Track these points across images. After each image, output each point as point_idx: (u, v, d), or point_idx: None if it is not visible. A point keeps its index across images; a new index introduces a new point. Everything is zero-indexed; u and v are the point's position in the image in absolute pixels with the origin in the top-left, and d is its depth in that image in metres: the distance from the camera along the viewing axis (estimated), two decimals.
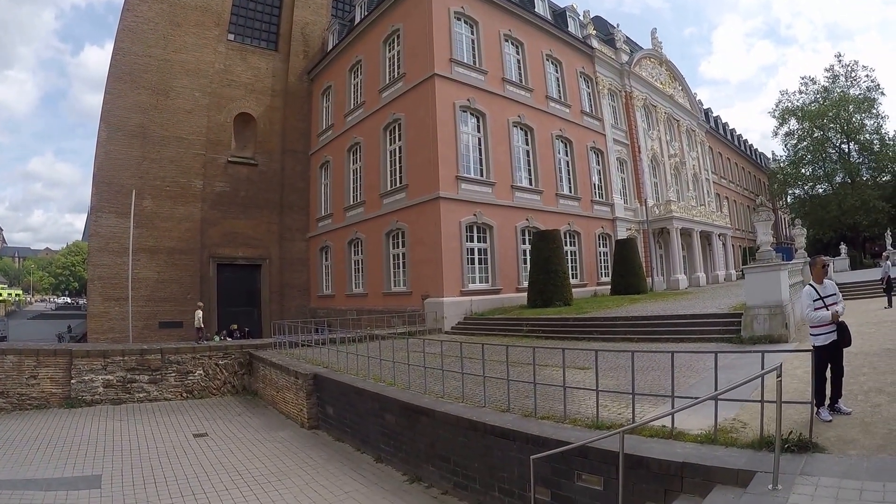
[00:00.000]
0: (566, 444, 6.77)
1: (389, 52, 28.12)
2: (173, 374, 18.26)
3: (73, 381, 16.77)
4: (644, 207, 37.10)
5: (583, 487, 6.89)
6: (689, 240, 40.17)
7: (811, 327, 7.13)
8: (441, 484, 9.45)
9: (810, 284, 7.38)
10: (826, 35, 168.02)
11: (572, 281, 27.89)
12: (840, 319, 7.06)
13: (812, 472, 5.33)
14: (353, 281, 30.13)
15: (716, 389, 6.27)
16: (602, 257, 33.77)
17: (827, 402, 7.09)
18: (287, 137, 35.10)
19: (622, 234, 34.59)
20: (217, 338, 26.65)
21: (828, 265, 7.86)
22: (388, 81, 27.75)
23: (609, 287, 30.28)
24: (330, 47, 34.54)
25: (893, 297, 20.26)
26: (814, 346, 6.97)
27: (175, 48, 30.94)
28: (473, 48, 27.22)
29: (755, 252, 15.71)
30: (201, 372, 18.74)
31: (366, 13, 30.48)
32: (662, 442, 6.64)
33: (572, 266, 30.58)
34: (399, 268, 26.32)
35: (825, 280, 7.40)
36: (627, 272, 29.09)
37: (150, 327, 28.03)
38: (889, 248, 38.11)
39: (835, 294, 7.26)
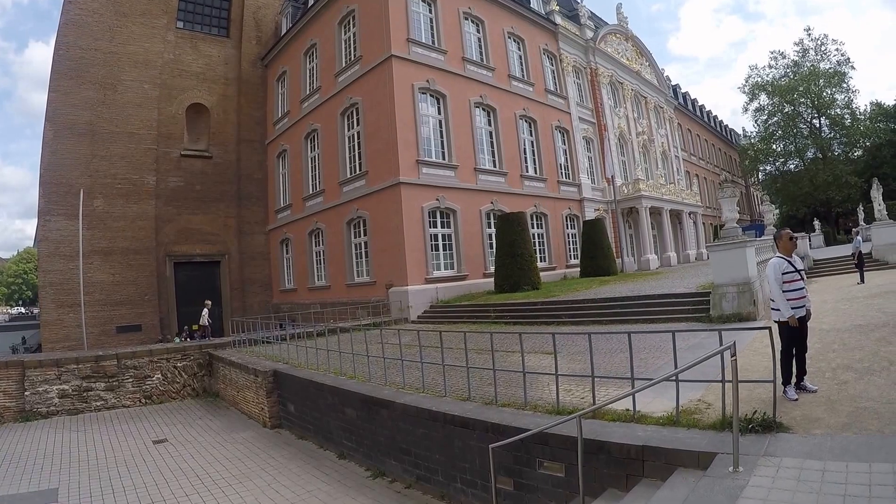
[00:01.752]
0: (525, 432, 6.77)
1: (345, 33, 27.92)
2: (130, 380, 18.00)
3: (26, 394, 16.46)
4: (612, 187, 37.39)
5: (545, 475, 6.93)
6: (658, 219, 40.74)
7: (787, 300, 7.07)
8: (404, 478, 9.51)
9: (779, 256, 7.35)
10: (795, 10, 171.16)
11: (540, 264, 28.13)
12: (806, 296, 7.15)
13: (775, 452, 5.38)
14: (316, 273, 30.05)
15: (675, 368, 6.28)
16: (570, 239, 34.05)
17: (793, 380, 7.15)
18: (242, 127, 34.68)
19: (590, 214, 34.92)
20: (177, 339, 26.47)
21: (795, 238, 7.90)
22: (344, 65, 27.57)
23: (578, 269, 30.52)
24: (284, 31, 34.26)
25: (865, 273, 20.83)
26: (779, 322, 7.06)
27: (122, 40, 30.23)
28: (432, 27, 27.15)
29: (720, 229, 15.99)
30: (160, 376, 18.51)
31: None
32: (624, 426, 6.66)
33: (540, 249, 30.88)
34: (362, 257, 26.30)
35: (793, 255, 7.40)
36: (596, 254, 29.35)
37: (107, 333, 27.56)
38: (861, 223, 38.98)
39: (803, 269, 7.31)
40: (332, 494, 9.51)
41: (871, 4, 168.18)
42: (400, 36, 24.87)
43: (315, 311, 23.97)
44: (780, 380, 6.69)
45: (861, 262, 21.34)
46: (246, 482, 10.42)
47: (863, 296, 16.59)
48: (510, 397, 8.56)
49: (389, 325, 19.88)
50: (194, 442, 13.67)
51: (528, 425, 6.97)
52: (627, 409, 6.89)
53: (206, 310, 24.37)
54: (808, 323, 7.24)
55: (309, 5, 31.52)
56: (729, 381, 5.56)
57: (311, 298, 29.10)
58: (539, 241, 31.13)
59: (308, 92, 30.88)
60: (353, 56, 27.02)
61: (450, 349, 9.85)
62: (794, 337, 7.01)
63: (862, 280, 20.56)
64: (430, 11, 27.28)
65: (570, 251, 33.66)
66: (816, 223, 53.69)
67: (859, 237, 24.16)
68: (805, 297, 7.13)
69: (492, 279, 24.62)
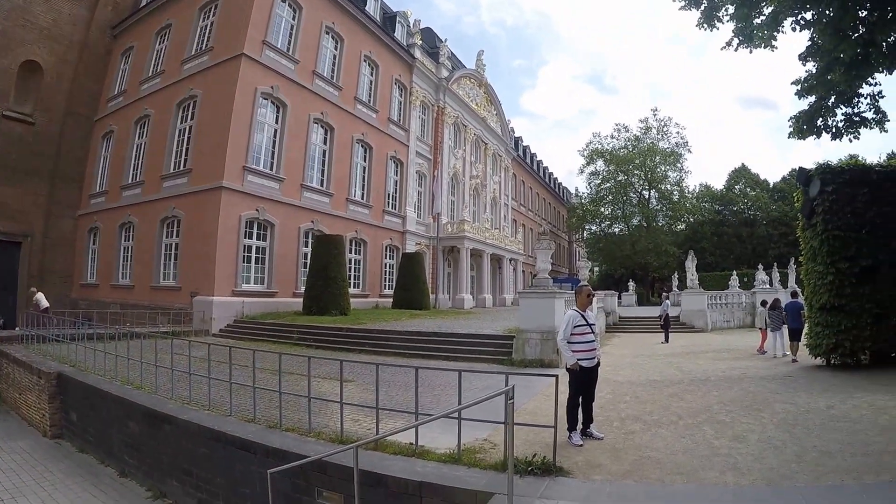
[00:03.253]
0: (305, 458, 6.76)
1: (203, 20, 27.14)
2: None
3: None
4: (437, 224, 39.43)
5: None
6: (479, 261, 43.47)
7: (574, 351, 7.62)
8: (185, 501, 9.12)
9: (574, 310, 8.00)
10: (648, 91, 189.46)
11: (354, 291, 29.08)
12: (597, 351, 7.84)
13: (552, 495, 5.60)
14: (121, 270, 28.40)
15: (459, 406, 6.58)
16: (388, 269, 35.32)
17: (579, 426, 7.62)
18: (74, 97, 31.73)
19: (411, 247, 36.51)
20: None
21: (593, 295, 8.72)
22: (193, 53, 26.78)
23: (391, 300, 31.74)
24: (144, 3, 32.07)
25: (671, 334, 23.42)
26: (570, 370, 7.63)
27: None
28: (291, 34, 27.44)
29: (533, 279, 17.35)
30: None
31: None
32: (405, 460, 6.77)
33: (355, 275, 31.74)
34: (171, 259, 25.41)
35: (588, 310, 8.04)
36: (411, 286, 30.83)
37: None
38: (674, 289, 43.58)
39: (594, 324, 7.96)
40: None
41: (722, 99, 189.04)
42: (256, 36, 24.89)
43: (115, 311, 22.83)
44: (565, 425, 7.33)
45: (667, 324, 23.78)
46: (19, 498, 9.66)
47: (664, 354, 18.21)
48: (297, 422, 8.53)
49: (189, 336, 18.92)
50: None
51: (309, 452, 6.99)
52: (411, 443, 7.06)
53: (39, 293, 22.18)
54: (599, 373, 7.98)
55: None
56: (516, 424, 5.75)
57: (113, 297, 27.28)
58: (356, 268, 31.95)
59: (150, 74, 29.41)
60: (204, 46, 26.41)
61: (245, 367, 9.74)
62: (581, 384, 7.58)
63: (666, 340, 22.66)
64: (294, 18, 27.62)
65: (385, 281, 34.81)
66: (631, 284, 59.79)
67: (668, 301, 26.67)
68: (595, 348, 7.75)
69: (302, 299, 24.86)
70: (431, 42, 44.16)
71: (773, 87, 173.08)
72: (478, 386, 10.35)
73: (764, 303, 19.30)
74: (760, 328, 18.92)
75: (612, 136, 70.77)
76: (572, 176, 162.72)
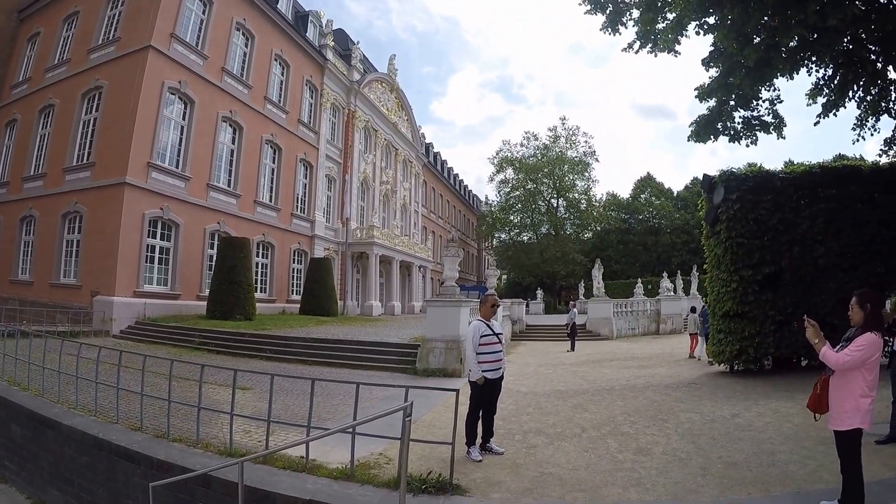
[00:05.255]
0: (190, 472, 6.46)
1: (112, 9, 26.80)
2: None
3: None
4: (346, 229, 40.07)
5: None
6: (388, 267, 44.39)
7: (480, 362, 7.50)
8: None
9: (479, 320, 7.90)
10: (554, 100, 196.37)
11: (261, 295, 29.43)
12: (503, 362, 7.79)
13: None
14: (20, 265, 27.53)
15: (354, 420, 6.54)
16: (296, 274, 35.74)
17: (479, 440, 7.53)
18: None
19: (320, 252, 37.06)
20: None
21: (498, 305, 8.49)
22: (100, 42, 26.44)
23: (299, 306, 32.14)
24: None
25: (578, 342, 24.43)
26: (473, 383, 7.51)
27: None
28: (201, 29, 27.58)
29: (440, 286, 17.82)
30: None
31: None
32: (294, 475, 6.60)
33: (262, 280, 32.05)
34: (72, 256, 24.99)
35: (493, 320, 8.02)
36: (319, 293, 31.42)
37: None
38: (581, 297, 45.28)
39: (501, 333, 7.99)
40: None
41: (625, 109, 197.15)
42: (165, 28, 24.96)
43: (12, 307, 22.21)
44: (463, 440, 7.19)
45: (574, 332, 24.62)
46: None
47: (570, 363, 18.58)
48: (187, 432, 8.18)
49: (88, 337, 19.05)
50: None
51: (196, 465, 6.75)
52: (302, 457, 6.90)
53: None
54: (503, 385, 7.95)
55: None
56: (413, 440, 5.76)
57: (11, 293, 26.27)
58: (262, 272, 32.25)
59: (56, 62, 28.76)
60: (112, 35, 26.14)
61: (138, 371, 9.03)
62: (482, 398, 7.50)
63: (572, 348, 23.46)
64: (204, 13, 27.81)
65: (293, 286, 35.19)
66: (539, 292, 62.11)
67: (575, 309, 27.92)
68: (501, 360, 7.70)
69: (206, 303, 24.87)
70: (344, 44, 45.00)
71: (673, 97, 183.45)
72: (378, 396, 10.62)
73: (693, 309, 20.73)
74: (691, 334, 20.06)
75: (522, 145, 73.66)
76: (481, 184, 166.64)
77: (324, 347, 18.36)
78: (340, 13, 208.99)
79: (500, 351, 7.74)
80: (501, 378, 7.82)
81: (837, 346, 4.96)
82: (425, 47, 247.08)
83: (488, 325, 7.76)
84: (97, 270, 23.27)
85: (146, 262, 24.25)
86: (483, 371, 7.45)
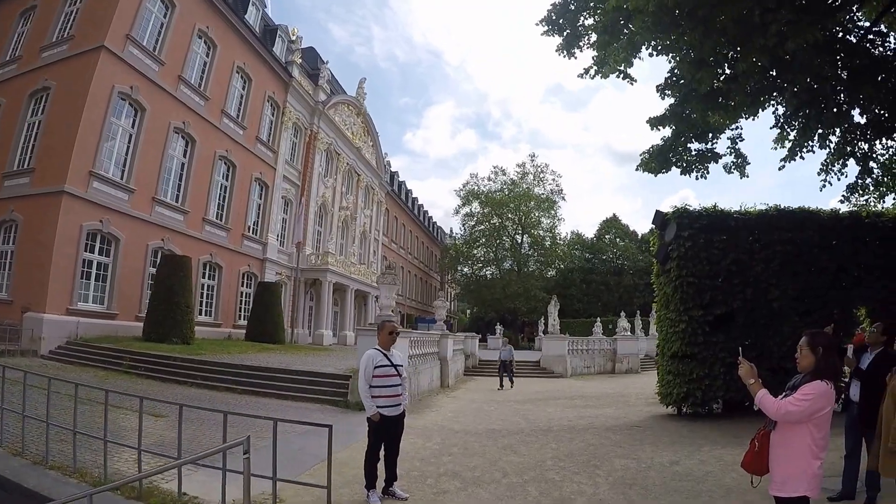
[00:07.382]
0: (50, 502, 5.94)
1: (70, 6, 25.89)
2: None
3: None
4: (300, 254, 39.46)
5: None
6: (343, 295, 43.90)
7: (374, 397, 7.08)
8: None
9: (375, 349, 7.38)
10: (528, 139, 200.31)
11: (205, 319, 28.72)
12: (403, 397, 7.35)
13: None
14: None
15: (274, 455, 6.07)
16: (244, 298, 34.82)
17: (381, 483, 7.14)
18: None
19: (272, 277, 36.33)
20: None
21: (396, 333, 7.89)
22: (54, 39, 25.51)
23: (245, 331, 31.39)
24: None
25: (514, 379, 24.61)
26: (370, 419, 7.11)
27: None
28: (160, 32, 27.01)
29: (376, 315, 17.56)
30: None
31: None
32: None
33: (207, 303, 31.22)
34: (4, 269, 23.64)
35: (392, 348, 7.51)
36: (266, 319, 30.72)
37: None
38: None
39: (402, 365, 7.48)
40: None
41: (598, 153, 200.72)
42: (121, 29, 24.28)
43: None
44: (361, 482, 6.97)
45: (506, 369, 24.72)
46: None
47: (515, 400, 18.67)
48: (83, 460, 7.50)
49: (14, 356, 18.18)
50: None
51: (60, 495, 6.22)
52: (185, 493, 6.39)
53: None
54: (415, 423, 8.00)
55: None
56: (281, 479, 5.61)
57: None
58: (208, 294, 31.40)
59: (8, 58, 27.54)
60: (66, 33, 25.28)
61: (44, 391, 8.18)
62: (381, 436, 7.10)
63: (501, 386, 23.97)
64: (166, 16, 27.29)
65: (241, 311, 34.32)
66: (499, 327, 61.80)
67: (510, 346, 27.94)
68: (401, 394, 7.25)
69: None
70: (313, 62, 44.83)
71: (647, 145, 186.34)
72: (299, 430, 9.79)
73: None
74: None
75: (490, 179, 74.35)
76: (449, 217, 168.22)
77: (256, 376, 17.92)
78: (321, 35, 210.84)
79: (399, 385, 7.26)
80: (403, 415, 7.36)
81: (781, 395, 4.37)
82: (405, 77, 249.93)
83: (385, 355, 7.26)
84: (31, 285, 22.10)
85: (82, 279, 23.16)
86: (378, 406, 7.01)
